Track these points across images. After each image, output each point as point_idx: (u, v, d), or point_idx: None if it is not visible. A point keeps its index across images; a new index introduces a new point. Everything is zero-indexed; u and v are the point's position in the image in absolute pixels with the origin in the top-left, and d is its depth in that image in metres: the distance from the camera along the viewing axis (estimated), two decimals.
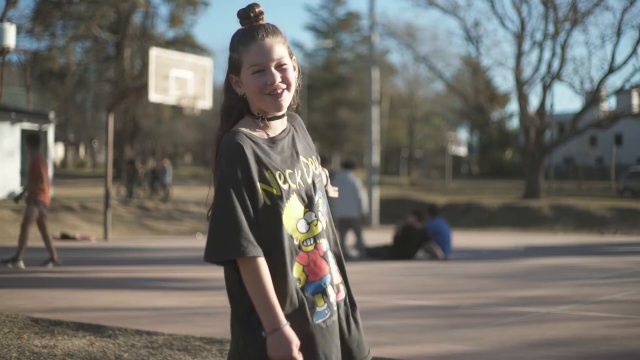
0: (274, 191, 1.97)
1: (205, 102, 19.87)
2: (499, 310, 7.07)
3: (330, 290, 2.02)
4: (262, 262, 1.92)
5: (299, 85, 2.12)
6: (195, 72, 19.47)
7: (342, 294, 2.09)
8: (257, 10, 2.05)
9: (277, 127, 2.09)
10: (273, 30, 2.05)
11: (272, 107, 2.05)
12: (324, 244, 2.04)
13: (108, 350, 5.01)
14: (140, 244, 17.04)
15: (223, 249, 1.91)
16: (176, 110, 33.57)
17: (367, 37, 38.23)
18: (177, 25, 40.27)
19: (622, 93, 33.58)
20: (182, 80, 19.00)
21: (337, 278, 2.08)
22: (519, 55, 31.33)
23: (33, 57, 32.95)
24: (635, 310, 7.31)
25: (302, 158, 2.07)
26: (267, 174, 1.98)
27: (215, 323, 6.19)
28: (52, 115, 24.84)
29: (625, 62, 29.68)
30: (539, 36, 31.79)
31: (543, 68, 31.63)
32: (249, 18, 2.05)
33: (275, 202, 1.97)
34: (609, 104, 38.16)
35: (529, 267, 11.66)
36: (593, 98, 30.70)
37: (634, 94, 36.77)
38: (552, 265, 11.95)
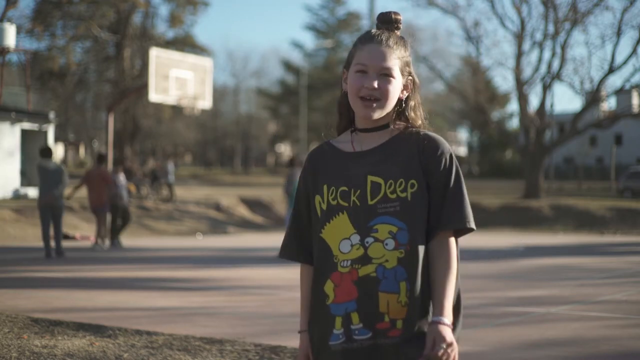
0: (323, 205, 1.99)
1: (205, 102, 19.90)
2: (499, 310, 7.07)
3: (356, 318, 1.91)
4: (304, 268, 2.08)
5: (416, 103, 2.08)
6: (195, 72, 19.50)
7: (396, 330, 1.91)
8: (395, 17, 2.03)
9: (368, 141, 2.02)
10: (397, 41, 1.99)
11: (361, 112, 1.99)
12: (364, 271, 1.90)
13: (108, 350, 5.01)
14: (140, 244, 17.03)
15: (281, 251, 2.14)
16: (176, 110, 33.55)
17: None
18: (177, 25, 40.20)
19: (622, 93, 33.51)
20: (182, 80, 19.03)
21: (382, 308, 1.90)
22: (519, 55, 31.27)
23: (33, 57, 32.90)
24: (635, 310, 7.31)
25: (372, 178, 1.94)
26: (321, 187, 2.00)
27: (215, 323, 6.19)
28: (52, 115, 24.82)
29: (625, 62, 29.61)
30: (539, 36, 31.76)
31: (543, 68, 31.60)
32: (385, 23, 2.03)
33: (322, 216, 1.99)
34: (609, 104, 38.10)
35: (529, 267, 11.65)
36: (593, 98, 30.65)
37: (634, 94, 36.69)
38: (552, 265, 11.94)
